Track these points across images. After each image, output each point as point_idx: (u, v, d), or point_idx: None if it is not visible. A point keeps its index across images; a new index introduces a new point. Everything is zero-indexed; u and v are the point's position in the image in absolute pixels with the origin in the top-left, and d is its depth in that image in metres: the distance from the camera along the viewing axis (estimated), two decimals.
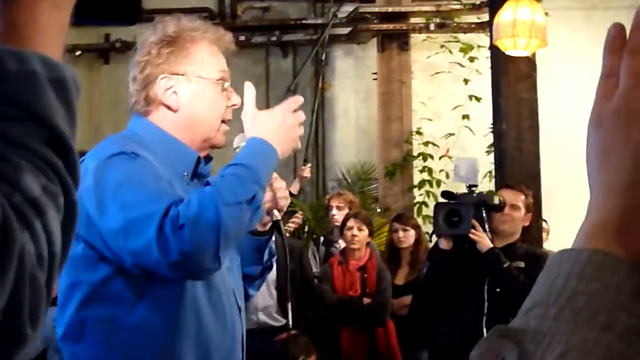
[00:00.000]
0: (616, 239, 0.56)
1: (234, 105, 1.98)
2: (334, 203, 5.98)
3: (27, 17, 0.71)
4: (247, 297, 2.12)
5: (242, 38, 8.36)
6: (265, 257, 2.10)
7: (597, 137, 0.61)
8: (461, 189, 3.87)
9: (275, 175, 1.95)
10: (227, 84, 1.97)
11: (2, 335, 0.60)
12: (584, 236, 0.59)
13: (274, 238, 2.10)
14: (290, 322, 2.74)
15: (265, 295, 4.90)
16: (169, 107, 1.90)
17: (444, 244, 3.76)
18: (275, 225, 2.03)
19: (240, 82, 7.41)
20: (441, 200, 3.94)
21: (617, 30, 0.64)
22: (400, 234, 5.45)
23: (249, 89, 1.94)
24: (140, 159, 1.74)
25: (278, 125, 1.86)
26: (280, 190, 1.99)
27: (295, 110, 1.92)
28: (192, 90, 1.91)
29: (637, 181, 0.57)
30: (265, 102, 8.33)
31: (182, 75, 1.90)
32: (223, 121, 1.97)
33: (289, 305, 2.23)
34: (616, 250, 0.55)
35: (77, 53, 8.61)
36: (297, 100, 1.97)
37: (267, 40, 8.39)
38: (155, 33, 1.92)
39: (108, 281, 1.75)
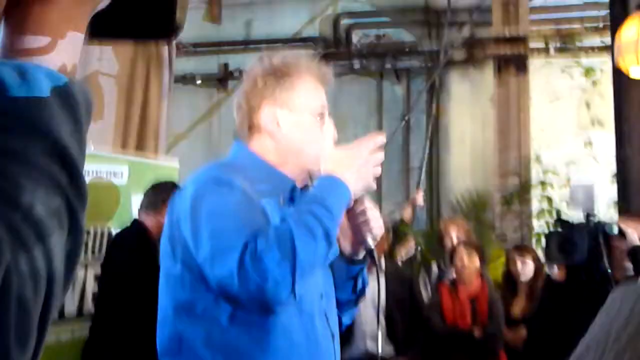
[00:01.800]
0: None
1: (331, 139, 2.01)
2: (447, 230, 5.85)
3: (36, 29, 0.69)
4: (341, 325, 2.09)
5: (357, 65, 8.40)
6: (359, 285, 2.10)
7: None
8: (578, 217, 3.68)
9: (369, 204, 1.97)
10: (327, 117, 2.02)
11: None
12: None
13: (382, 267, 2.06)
14: (396, 351, 2.67)
15: (373, 322, 4.83)
16: (271, 136, 1.96)
17: (558, 275, 3.56)
18: (369, 254, 2.03)
19: (354, 108, 7.49)
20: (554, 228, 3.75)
21: None
22: (519, 264, 5.27)
23: (329, 128, 2.00)
24: (235, 187, 1.79)
25: (353, 163, 1.89)
26: (374, 219, 1.98)
27: (374, 150, 1.92)
28: (294, 121, 1.97)
29: None
30: (378, 128, 8.31)
31: (285, 106, 1.96)
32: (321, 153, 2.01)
33: (379, 334, 2.16)
34: None
35: (198, 82, 8.90)
36: (378, 140, 1.96)
37: (381, 66, 8.37)
38: (262, 65, 2.01)
39: (203, 301, 1.79)
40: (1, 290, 0.57)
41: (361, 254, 2.04)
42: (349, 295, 2.10)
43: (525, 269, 5.24)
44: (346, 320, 2.14)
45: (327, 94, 2.06)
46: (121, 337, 3.85)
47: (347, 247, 2.03)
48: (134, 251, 3.89)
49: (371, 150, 1.92)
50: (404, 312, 5.01)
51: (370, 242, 1.99)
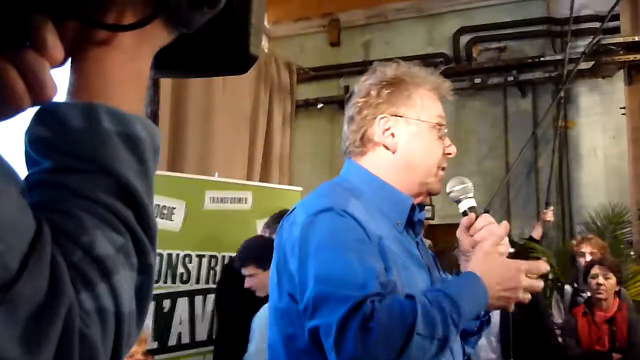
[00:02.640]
0: None
1: (449, 154, 1.89)
2: (582, 249, 5.59)
3: (99, 70, 0.69)
4: (464, 355, 1.98)
5: (478, 80, 8.24)
6: (482, 312, 1.93)
7: None
8: None
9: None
10: (445, 130, 1.90)
11: None
12: None
13: None
14: None
15: (487, 348, 4.65)
16: (386, 148, 1.86)
17: None
18: None
19: (478, 125, 7.36)
20: None
21: None
22: None
23: (502, 228, 1.84)
24: (347, 218, 1.66)
25: (504, 279, 1.70)
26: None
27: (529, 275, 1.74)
28: (411, 132, 1.86)
29: None
30: (504, 144, 8.10)
31: (401, 116, 1.85)
32: (439, 167, 1.89)
33: None
34: None
35: (319, 106, 8.99)
36: (541, 267, 1.79)
37: (504, 80, 8.17)
38: (375, 76, 1.91)
39: (314, 339, 1.64)
40: (65, 330, 0.57)
41: None
42: (473, 322, 1.95)
43: None
44: (469, 349, 2.00)
45: (444, 107, 1.92)
46: None
47: None
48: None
49: (525, 274, 1.73)
50: (526, 334, 4.80)
51: None
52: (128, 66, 0.70)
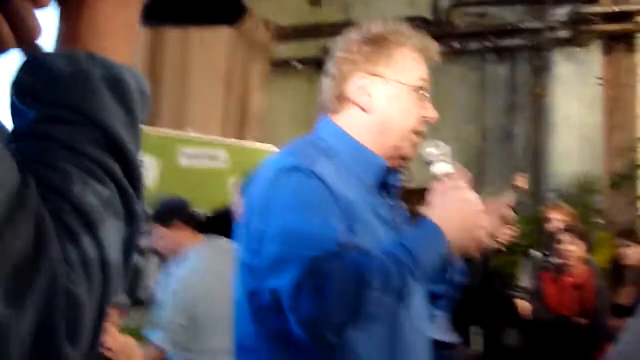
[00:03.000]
0: None
1: (429, 118, 1.84)
2: (552, 216, 5.66)
3: (89, 18, 0.68)
4: (432, 317, 1.99)
5: (458, 45, 8.22)
6: (451, 275, 1.93)
7: None
8: None
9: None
10: (426, 95, 1.84)
11: (38, 357, 0.57)
12: None
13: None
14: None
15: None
16: (361, 109, 1.80)
17: None
18: None
19: (455, 90, 7.36)
20: None
21: None
22: (626, 250, 5.05)
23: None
24: (313, 180, 1.64)
25: (462, 223, 1.67)
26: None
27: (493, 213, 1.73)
28: (388, 94, 1.80)
29: None
30: (482, 109, 8.13)
31: (380, 76, 1.79)
32: (416, 132, 1.83)
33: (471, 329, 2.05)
34: None
35: (298, 66, 8.93)
36: (503, 210, 1.78)
37: (483, 46, 8.16)
38: (359, 32, 1.84)
39: (273, 296, 1.64)
40: (48, 288, 0.57)
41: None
42: (441, 286, 1.92)
43: (633, 255, 5.02)
44: (437, 312, 1.99)
45: (429, 70, 1.84)
46: None
47: None
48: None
49: (486, 216, 1.70)
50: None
51: None
52: (118, 16, 0.69)
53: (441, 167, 1.85)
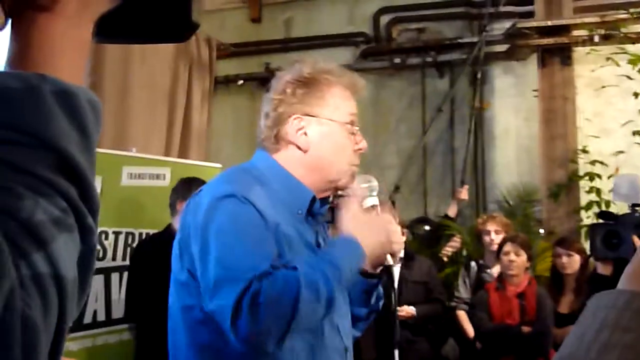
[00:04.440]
0: None
1: (360, 149, 1.98)
2: (487, 227, 5.78)
3: (41, 38, 0.67)
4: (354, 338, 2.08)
5: (398, 60, 8.33)
6: (373, 299, 2.08)
7: None
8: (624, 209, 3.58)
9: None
10: (356, 128, 1.97)
11: None
12: (629, 275, 0.48)
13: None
14: None
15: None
16: (298, 147, 1.92)
17: (603, 269, 3.47)
18: (387, 270, 2.01)
19: (396, 104, 7.44)
20: (598, 221, 3.66)
21: None
22: (564, 259, 5.16)
23: (364, 184, 2.00)
24: (248, 206, 1.75)
25: (373, 234, 1.87)
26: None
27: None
28: (323, 131, 1.93)
29: None
30: (422, 123, 8.25)
31: (314, 116, 1.92)
32: (351, 164, 1.98)
33: (396, 353, 2.13)
34: None
35: (239, 82, 8.93)
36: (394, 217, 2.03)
37: (423, 61, 8.29)
38: (292, 72, 1.96)
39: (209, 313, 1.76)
40: (6, 312, 0.56)
41: (378, 269, 2.01)
42: (363, 309, 2.08)
43: (571, 263, 5.13)
44: (357, 333, 2.11)
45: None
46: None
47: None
48: (159, 255, 3.85)
49: (393, 227, 1.93)
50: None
51: (389, 259, 1.98)
52: (70, 34, 0.68)
53: (369, 201, 2.04)
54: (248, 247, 1.69)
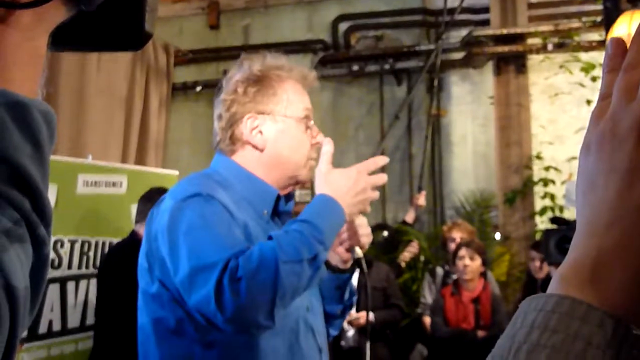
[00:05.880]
0: (590, 283, 0.50)
1: (317, 143, 1.94)
2: (453, 234, 5.85)
3: None
4: (328, 337, 2.05)
5: (356, 67, 8.39)
6: (346, 295, 2.05)
7: (585, 165, 0.55)
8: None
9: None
10: (311, 122, 1.94)
11: None
12: (558, 279, 0.51)
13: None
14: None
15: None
16: (254, 147, 1.89)
17: None
18: (357, 263, 1.99)
19: (354, 111, 7.48)
20: (552, 226, 3.73)
21: (615, 45, 0.56)
22: (537, 263, 5.26)
23: (327, 145, 1.89)
24: (214, 203, 1.72)
25: (350, 186, 1.81)
26: (362, 227, 1.94)
27: (373, 173, 1.86)
28: (278, 129, 1.90)
29: (618, 219, 0.49)
30: (380, 130, 8.31)
31: (268, 114, 1.89)
32: (310, 158, 1.95)
33: (367, 345, 2.13)
34: (589, 296, 0.49)
35: (198, 89, 8.90)
36: (378, 161, 1.90)
37: (381, 68, 8.35)
38: (241, 71, 1.93)
39: (182, 322, 1.73)
40: None
41: (349, 264, 2.00)
42: (336, 305, 2.04)
43: (544, 267, 5.22)
44: (333, 331, 2.09)
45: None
46: (121, 349, 3.84)
47: (334, 257, 1.99)
48: (128, 263, 3.85)
49: (370, 174, 1.85)
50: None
51: (359, 251, 1.97)
52: (25, 46, 0.67)
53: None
54: (220, 236, 1.65)
